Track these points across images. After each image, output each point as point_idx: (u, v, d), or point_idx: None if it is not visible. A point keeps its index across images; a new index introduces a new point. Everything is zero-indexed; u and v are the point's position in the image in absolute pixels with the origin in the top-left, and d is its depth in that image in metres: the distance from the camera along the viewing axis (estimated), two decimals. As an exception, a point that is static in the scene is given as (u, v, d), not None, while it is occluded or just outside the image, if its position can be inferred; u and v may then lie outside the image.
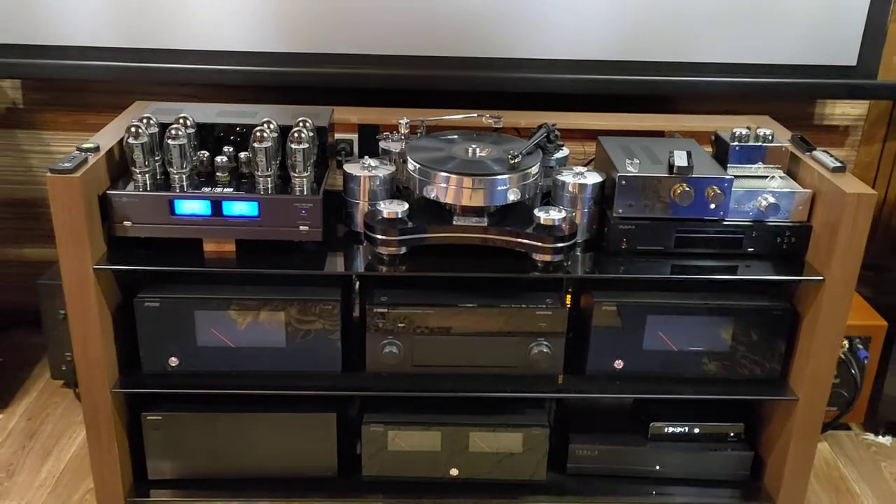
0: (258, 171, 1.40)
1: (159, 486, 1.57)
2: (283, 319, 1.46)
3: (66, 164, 1.31)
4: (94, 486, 1.54)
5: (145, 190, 1.40)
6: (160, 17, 1.76)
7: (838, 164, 1.43)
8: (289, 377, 1.49)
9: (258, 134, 1.39)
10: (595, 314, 1.48)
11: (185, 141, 1.39)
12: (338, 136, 1.68)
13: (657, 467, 1.61)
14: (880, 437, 1.88)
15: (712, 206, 1.43)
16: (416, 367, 1.49)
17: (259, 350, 1.48)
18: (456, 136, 1.53)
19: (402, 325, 1.46)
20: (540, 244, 1.39)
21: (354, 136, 1.70)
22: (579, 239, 1.48)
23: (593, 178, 1.48)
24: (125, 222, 1.39)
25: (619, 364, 1.51)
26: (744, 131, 1.52)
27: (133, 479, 1.57)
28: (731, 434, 1.61)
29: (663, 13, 1.78)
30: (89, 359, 1.42)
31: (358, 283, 1.61)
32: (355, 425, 1.57)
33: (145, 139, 1.39)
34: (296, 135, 1.40)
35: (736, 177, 1.45)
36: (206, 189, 1.40)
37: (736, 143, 1.51)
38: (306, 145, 1.40)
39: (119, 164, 1.45)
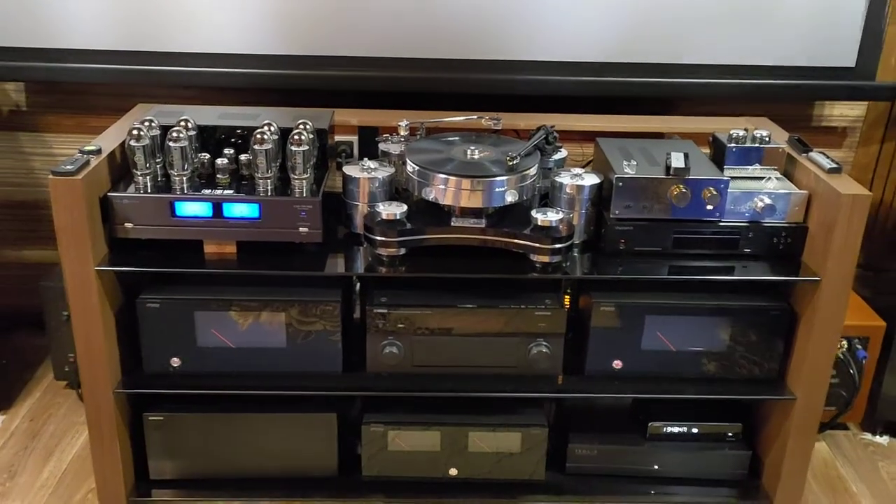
0: (258, 173, 1.41)
1: (161, 486, 1.58)
2: (284, 320, 1.47)
3: (68, 167, 1.33)
4: (96, 486, 1.55)
5: (146, 192, 1.41)
6: (161, 20, 1.77)
7: (834, 166, 1.44)
8: (289, 377, 1.50)
9: (258, 136, 1.40)
10: (593, 315, 1.49)
11: (186, 143, 1.41)
12: (338, 137, 1.69)
13: (656, 467, 1.62)
14: (878, 436, 1.89)
15: (709, 207, 1.44)
16: (416, 368, 1.50)
17: (260, 351, 1.49)
18: (455, 138, 1.54)
19: (401, 325, 1.47)
20: (538, 245, 1.40)
21: (354, 138, 1.71)
22: (577, 240, 1.49)
23: (591, 179, 1.49)
24: (127, 224, 1.40)
25: (617, 364, 1.52)
26: (741, 133, 1.53)
27: (135, 479, 1.58)
28: (730, 434, 1.62)
29: (662, 15, 1.79)
30: (92, 359, 1.43)
31: (358, 285, 1.62)
32: (355, 425, 1.58)
33: (146, 142, 1.40)
34: (296, 137, 1.41)
35: (732, 178, 1.46)
36: (207, 191, 1.41)
37: (733, 145, 1.51)
38: (306, 147, 1.41)
39: (121, 167, 1.46)
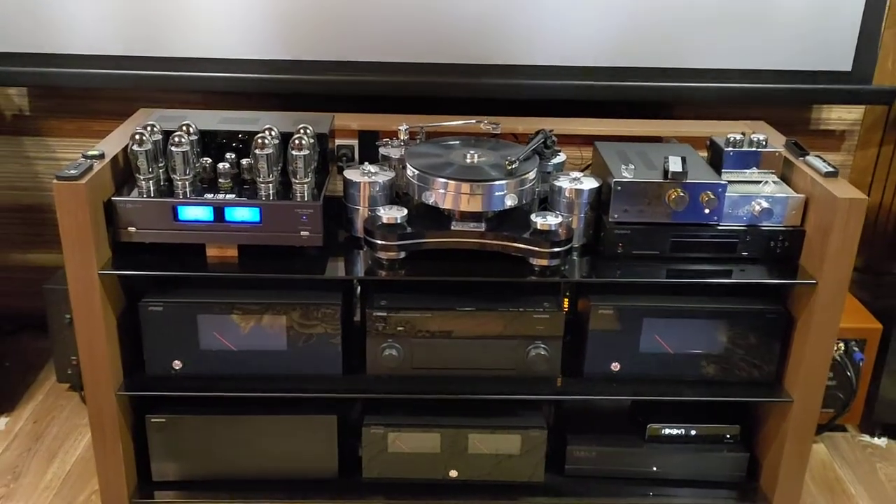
0: (260, 177, 1.43)
1: (163, 488, 1.59)
2: (285, 323, 1.48)
3: (71, 171, 1.34)
4: (99, 488, 1.56)
5: (149, 196, 1.42)
6: (163, 26, 1.78)
7: (831, 169, 1.45)
8: (290, 380, 1.51)
9: (260, 141, 1.41)
10: (592, 317, 1.50)
11: (188, 148, 1.42)
12: (339, 142, 1.70)
13: (654, 468, 1.63)
14: (876, 438, 1.90)
15: (707, 210, 1.45)
16: (416, 370, 1.51)
17: (261, 353, 1.50)
18: (454, 143, 1.56)
19: (401, 328, 1.48)
20: (537, 249, 1.41)
21: (355, 143, 1.72)
22: (576, 244, 1.50)
23: (589, 183, 1.50)
24: (130, 228, 1.42)
25: (615, 366, 1.53)
26: (738, 137, 1.54)
27: (137, 481, 1.60)
28: (728, 436, 1.63)
29: (660, 20, 1.80)
30: (94, 362, 1.45)
31: (359, 288, 1.63)
32: (356, 427, 1.59)
33: (149, 146, 1.41)
34: (297, 141, 1.42)
35: (730, 182, 1.47)
36: (209, 195, 1.43)
37: (730, 149, 1.53)
38: (307, 152, 1.42)
39: (124, 171, 1.48)
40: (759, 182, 1.52)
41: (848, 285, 1.43)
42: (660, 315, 1.50)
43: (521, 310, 1.48)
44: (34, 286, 1.87)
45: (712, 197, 1.44)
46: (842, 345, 1.76)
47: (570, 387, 1.54)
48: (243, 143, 1.54)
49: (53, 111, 1.97)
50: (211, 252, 1.45)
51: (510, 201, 1.42)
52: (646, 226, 1.47)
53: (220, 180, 1.45)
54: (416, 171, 1.44)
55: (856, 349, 1.76)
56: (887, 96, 1.87)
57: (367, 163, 1.55)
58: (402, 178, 1.50)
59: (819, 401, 1.51)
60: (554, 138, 1.59)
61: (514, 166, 1.43)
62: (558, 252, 1.41)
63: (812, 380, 1.49)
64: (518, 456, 1.58)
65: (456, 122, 1.64)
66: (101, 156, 1.42)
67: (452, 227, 1.44)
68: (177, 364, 1.50)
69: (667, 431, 1.62)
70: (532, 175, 1.45)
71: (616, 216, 1.47)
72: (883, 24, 1.83)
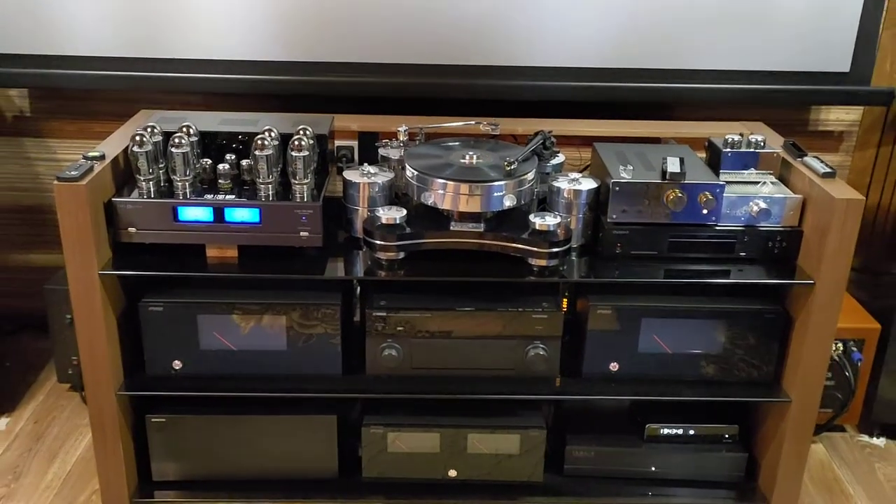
0: (259, 178, 1.43)
1: (163, 488, 1.60)
2: (285, 323, 1.49)
3: (72, 172, 1.34)
4: (100, 488, 1.56)
5: (149, 197, 1.43)
6: (164, 27, 1.79)
7: (828, 170, 1.46)
8: (290, 380, 1.52)
9: (259, 142, 1.42)
10: (590, 318, 1.51)
11: (188, 149, 1.42)
12: (338, 143, 1.71)
13: (653, 468, 1.63)
14: (875, 438, 1.90)
15: (705, 211, 1.46)
16: (415, 370, 1.52)
17: (261, 353, 1.51)
18: (453, 143, 1.56)
19: (400, 328, 1.49)
20: (535, 249, 1.41)
21: (354, 144, 1.73)
22: (574, 244, 1.51)
23: (588, 184, 1.51)
24: (130, 229, 1.42)
25: (614, 366, 1.54)
26: (736, 137, 1.54)
27: (138, 481, 1.60)
28: (726, 436, 1.63)
29: (659, 21, 1.80)
30: (95, 362, 1.45)
31: (359, 288, 1.63)
32: (356, 427, 1.59)
33: (149, 147, 1.42)
34: (296, 142, 1.43)
35: (728, 182, 1.48)
36: (209, 196, 1.43)
37: (728, 150, 1.53)
38: (306, 153, 1.43)
39: (124, 172, 1.48)
40: (757, 183, 1.52)
41: (845, 285, 1.43)
42: (658, 315, 1.51)
43: (519, 310, 1.49)
44: (35, 287, 1.88)
45: (710, 197, 1.45)
46: (840, 345, 1.76)
47: (569, 387, 1.55)
48: (243, 144, 1.54)
49: (54, 112, 1.98)
50: (211, 252, 1.46)
51: (509, 202, 1.43)
52: (644, 226, 1.47)
53: (220, 181, 1.46)
54: (416, 172, 1.45)
55: (854, 349, 1.77)
56: (885, 97, 1.87)
57: (366, 164, 1.55)
58: (402, 179, 1.51)
59: (817, 401, 1.52)
60: (553, 139, 1.59)
61: (512, 167, 1.43)
62: (557, 252, 1.42)
63: (810, 380, 1.50)
64: (517, 456, 1.59)
65: (455, 123, 1.64)
66: (102, 157, 1.43)
67: (451, 228, 1.45)
68: (177, 364, 1.51)
69: (665, 431, 1.63)
70: (531, 176, 1.46)
71: (614, 217, 1.47)
72: (881, 26, 1.84)
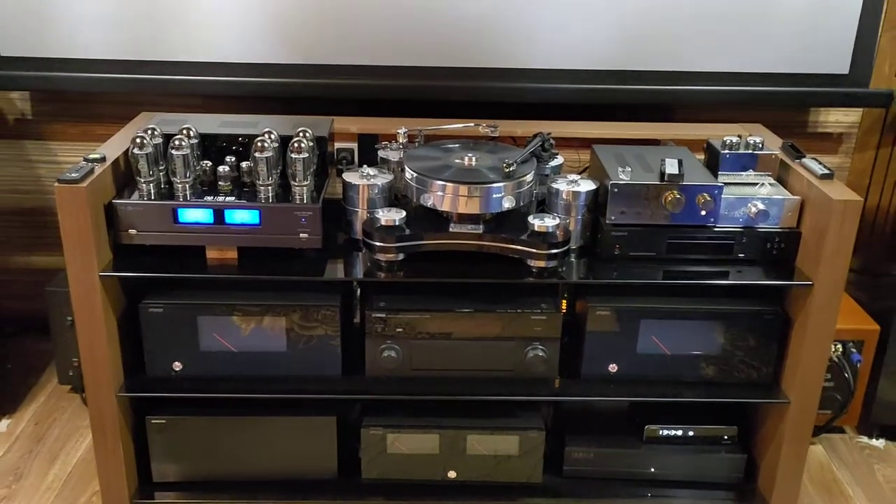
0: (259, 180, 1.44)
1: (163, 489, 1.60)
2: (285, 325, 1.49)
3: (73, 175, 1.35)
4: (100, 489, 1.57)
5: (150, 199, 1.43)
6: (164, 30, 1.80)
7: (826, 172, 1.46)
8: (290, 381, 1.52)
9: (259, 144, 1.43)
10: (589, 319, 1.51)
11: (188, 151, 1.43)
12: (338, 145, 1.71)
13: (652, 470, 1.64)
14: (874, 439, 1.91)
15: (703, 212, 1.46)
16: (415, 371, 1.52)
17: (261, 355, 1.51)
18: (453, 145, 1.57)
19: (400, 329, 1.49)
20: (534, 251, 1.42)
21: (354, 146, 1.73)
22: (573, 245, 1.51)
23: (587, 185, 1.51)
24: (130, 230, 1.43)
25: (613, 368, 1.54)
26: (734, 139, 1.55)
27: (138, 482, 1.61)
28: (725, 437, 1.64)
29: (657, 24, 1.81)
30: (95, 363, 1.46)
31: (359, 290, 1.64)
32: (355, 428, 1.60)
33: (150, 150, 1.43)
34: (296, 144, 1.43)
35: (726, 184, 1.48)
36: (209, 198, 1.44)
37: (726, 151, 1.53)
38: (306, 155, 1.44)
39: (124, 174, 1.49)
40: (755, 184, 1.53)
41: (844, 286, 1.44)
42: (657, 316, 1.51)
43: (518, 311, 1.49)
44: (36, 289, 1.88)
45: (709, 199, 1.45)
46: (839, 346, 1.77)
47: (568, 388, 1.55)
48: (243, 146, 1.55)
49: (56, 115, 1.98)
50: (211, 254, 1.46)
51: (508, 203, 1.43)
52: (643, 227, 1.48)
53: (220, 183, 1.47)
54: (415, 174, 1.45)
55: (853, 350, 1.77)
56: (884, 99, 1.88)
57: (365, 165, 1.56)
58: (401, 181, 1.52)
59: (816, 402, 1.52)
60: (552, 141, 1.60)
61: (511, 169, 1.43)
62: (556, 254, 1.42)
63: (809, 381, 1.50)
64: (516, 457, 1.59)
65: (454, 126, 1.65)
66: (103, 159, 1.44)
67: (450, 229, 1.45)
68: (177, 365, 1.51)
69: (664, 433, 1.63)
70: (530, 177, 1.46)
71: (613, 218, 1.48)
72: (880, 28, 1.85)
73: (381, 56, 1.82)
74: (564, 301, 1.58)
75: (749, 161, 1.54)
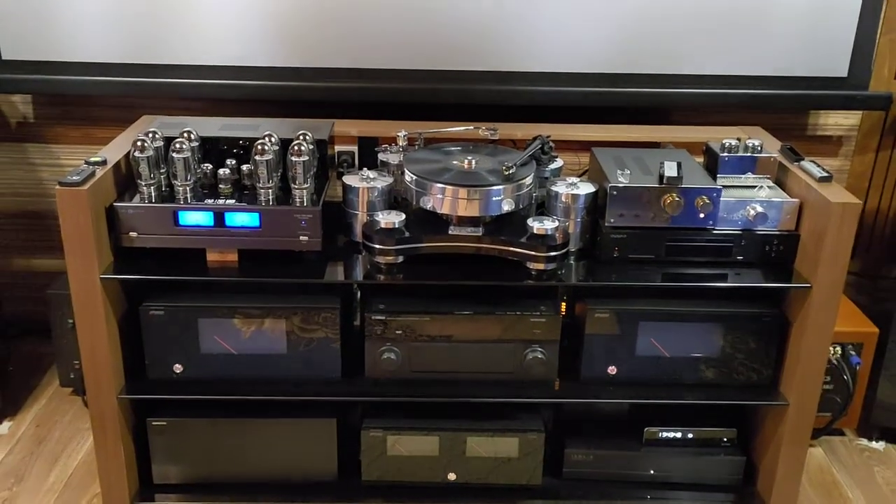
0: (259, 183, 1.44)
1: (164, 491, 1.61)
2: (284, 327, 1.50)
3: (74, 178, 1.36)
4: (101, 491, 1.57)
5: (150, 202, 1.44)
6: (165, 34, 1.81)
7: (825, 174, 1.46)
8: (290, 383, 1.53)
9: (259, 147, 1.43)
10: (588, 321, 1.51)
11: (188, 154, 1.44)
12: (338, 148, 1.72)
13: (651, 472, 1.64)
14: (874, 442, 1.91)
15: (702, 215, 1.46)
16: (414, 373, 1.53)
17: (261, 357, 1.52)
18: (452, 148, 1.57)
19: (399, 332, 1.50)
20: (533, 253, 1.42)
21: (354, 149, 1.74)
22: (572, 248, 1.52)
23: (586, 188, 1.52)
24: (131, 233, 1.44)
25: (612, 370, 1.55)
26: (733, 142, 1.55)
27: (139, 484, 1.61)
28: (724, 439, 1.64)
29: (657, 27, 1.81)
30: (96, 366, 1.46)
31: (359, 292, 1.64)
32: (355, 430, 1.60)
33: (150, 153, 1.43)
34: (296, 147, 1.44)
35: (725, 187, 1.49)
36: (209, 201, 1.44)
37: (725, 154, 1.54)
38: (306, 158, 1.44)
39: (125, 177, 1.50)
40: (754, 187, 1.53)
41: (842, 289, 1.44)
42: (656, 319, 1.52)
43: (518, 313, 1.49)
44: (39, 291, 1.89)
45: (707, 201, 1.45)
46: (838, 349, 1.77)
47: (568, 390, 1.55)
48: (244, 149, 1.56)
49: (57, 118, 1.99)
50: (211, 257, 1.47)
51: (507, 206, 1.44)
52: (642, 230, 1.48)
53: (220, 186, 1.47)
54: (415, 177, 1.46)
55: (852, 353, 1.77)
56: (883, 102, 1.88)
57: (365, 168, 1.56)
58: (401, 184, 1.52)
59: (815, 404, 1.52)
60: (551, 144, 1.61)
61: (511, 172, 1.44)
62: (555, 256, 1.42)
63: (808, 383, 1.50)
64: (516, 459, 1.59)
65: (454, 129, 1.65)
66: (104, 162, 1.44)
67: (450, 232, 1.46)
68: (178, 367, 1.52)
69: (664, 435, 1.63)
70: (529, 180, 1.47)
71: (612, 221, 1.48)
72: (878, 31, 1.85)
73: (381, 59, 1.82)
74: (564, 303, 1.58)
75: (748, 164, 1.55)
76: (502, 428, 1.59)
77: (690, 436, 1.63)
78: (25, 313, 2.13)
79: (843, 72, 1.85)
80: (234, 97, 1.85)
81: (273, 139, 1.48)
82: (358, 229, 1.53)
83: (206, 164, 1.51)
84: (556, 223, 1.44)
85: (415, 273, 1.45)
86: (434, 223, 1.47)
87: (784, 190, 1.54)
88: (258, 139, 1.46)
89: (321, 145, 1.55)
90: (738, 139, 1.56)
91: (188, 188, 1.45)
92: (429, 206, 1.45)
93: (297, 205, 1.45)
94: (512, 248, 1.44)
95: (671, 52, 1.84)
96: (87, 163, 1.43)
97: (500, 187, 1.43)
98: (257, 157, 1.43)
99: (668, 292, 1.54)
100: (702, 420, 1.64)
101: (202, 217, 1.43)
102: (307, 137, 1.49)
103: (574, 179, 1.55)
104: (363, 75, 1.83)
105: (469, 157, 1.50)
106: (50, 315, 1.84)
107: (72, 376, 1.88)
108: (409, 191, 1.48)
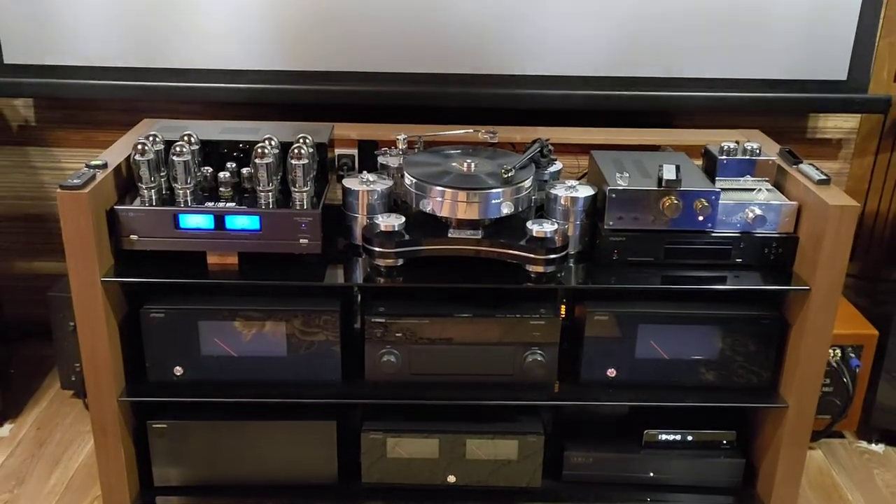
0: (259, 186, 1.45)
1: (165, 493, 1.61)
2: (285, 330, 1.50)
3: (75, 181, 1.36)
4: (102, 494, 1.57)
5: (151, 205, 1.44)
6: (166, 38, 1.81)
7: (823, 177, 1.47)
8: (290, 386, 1.53)
9: (259, 150, 1.44)
10: (587, 324, 1.52)
11: (189, 157, 1.44)
12: (338, 151, 1.72)
13: (651, 474, 1.64)
14: (873, 444, 1.91)
15: (700, 218, 1.47)
16: (414, 376, 1.53)
17: (261, 359, 1.52)
18: (452, 151, 1.58)
19: (399, 334, 1.50)
20: (533, 256, 1.43)
21: (354, 152, 1.74)
22: (571, 251, 1.52)
23: (585, 191, 1.52)
24: (132, 236, 1.44)
25: (611, 372, 1.55)
26: (732, 145, 1.55)
27: (139, 487, 1.61)
28: (724, 441, 1.64)
29: (656, 30, 1.82)
30: (97, 368, 1.47)
31: (359, 295, 1.64)
32: (355, 433, 1.60)
33: (151, 156, 1.44)
34: (296, 151, 1.44)
35: (724, 189, 1.49)
36: (210, 204, 1.45)
37: (724, 157, 1.54)
38: (306, 161, 1.45)
39: (126, 180, 1.50)
40: (752, 190, 1.54)
41: (840, 291, 1.44)
42: (655, 321, 1.52)
43: (517, 316, 1.50)
44: (40, 294, 1.90)
45: (706, 204, 1.46)
46: (838, 351, 1.77)
47: (567, 393, 1.55)
48: (244, 152, 1.56)
49: (58, 122, 2.00)
50: (211, 259, 1.47)
51: (506, 209, 1.44)
52: (640, 233, 1.49)
53: (220, 189, 1.48)
54: (414, 180, 1.46)
55: (852, 356, 1.77)
56: (882, 105, 1.89)
57: (365, 171, 1.57)
58: (401, 187, 1.52)
59: (814, 406, 1.53)
60: (550, 147, 1.61)
61: (510, 175, 1.44)
62: (554, 259, 1.43)
63: (807, 385, 1.51)
64: (516, 461, 1.60)
65: (454, 132, 1.66)
66: (104, 165, 1.45)
67: (449, 235, 1.46)
68: (178, 370, 1.52)
69: (663, 437, 1.63)
70: (528, 183, 1.47)
71: (611, 223, 1.48)
72: (878, 34, 1.86)
73: (381, 63, 1.83)
74: (563, 306, 1.59)
75: (746, 167, 1.55)
76: (502, 430, 1.59)
77: (690, 438, 1.63)
78: (26, 316, 2.14)
79: (842, 75, 1.86)
80: (234, 101, 1.86)
81: (273, 142, 1.49)
82: (358, 232, 1.53)
83: (206, 168, 1.52)
84: (556, 226, 1.45)
85: (414, 276, 1.46)
86: (434, 226, 1.48)
87: (783, 193, 1.54)
88: (258, 142, 1.46)
89: (321, 148, 1.55)
90: (737, 142, 1.57)
91: (188, 191, 1.46)
92: (428, 209, 1.45)
93: (297, 208, 1.45)
94: (511, 251, 1.44)
95: (670, 55, 1.84)
96: (88, 166, 1.43)
97: (500, 190, 1.43)
98: (257, 161, 1.43)
99: (668, 295, 1.54)
100: (701, 422, 1.65)
101: (202, 220, 1.44)
102: (307, 141, 1.50)
103: (573, 182, 1.55)
104: (363, 79, 1.84)
105: (468, 161, 1.50)
106: (51, 318, 1.84)
107: (73, 379, 1.89)
108: (409, 194, 1.48)
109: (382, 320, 1.50)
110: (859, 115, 1.99)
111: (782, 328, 1.52)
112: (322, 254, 1.47)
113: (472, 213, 1.44)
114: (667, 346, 1.53)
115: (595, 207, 1.52)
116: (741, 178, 1.55)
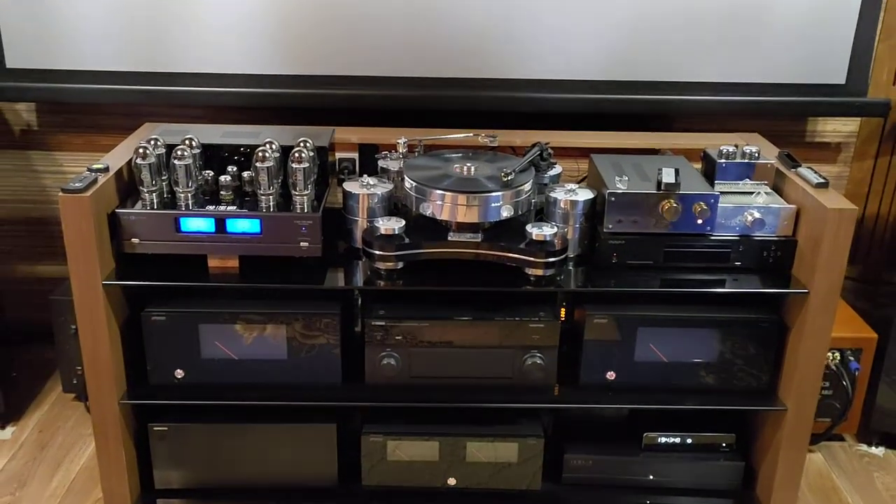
0: (260, 189, 1.46)
1: (165, 496, 1.61)
2: (285, 333, 1.51)
3: (76, 184, 1.37)
4: (103, 496, 1.58)
5: (152, 208, 1.45)
6: (168, 42, 1.82)
7: (821, 181, 1.47)
8: (290, 389, 1.53)
9: (260, 154, 1.44)
10: (587, 327, 1.52)
11: (190, 161, 1.45)
12: (339, 155, 1.73)
13: (651, 477, 1.64)
14: (873, 447, 1.91)
15: (699, 221, 1.47)
16: (414, 379, 1.54)
17: (262, 362, 1.53)
18: (452, 155, 1.58)
19: (399, 337, 1.51)
20: (532, 259, 1.43)
21: (355, 155, 1.75)
22: (571, 254, 1.52)
23: (584, 194, 1.53)
24: (133, 239, 1.45)
25: (611, 375, 1.55)
26: (731, 149, 1.56)
27: (140, 489, 1.62)
28: (723, 444, 1.64)
29: (656, 34, 1.83)
30: (98, 371, 1.47)
31: (359, 298, 1.65)
32: (355, 436, 1.60)
33: (152, 160, 1.45)
34: (297, 154, 1.45)
35: (723, 193, 1.50)
36: (211, 207, 1.46)
37: (723, 161, 1.55)
38: (307, 164, 1.45)
39: (128, 184, 1.51)
40: (751, 193, 1.54)
41: (839, 294, 1.45)
42: (654, 324, 1.52)
43: (517, 319, 1.50)
44: (42, 297, 1.90)
45: (705, 208, 1.46)
46: (837, 354, 1.77)
47: (567, 396, 1.56)
48: (245, 156, 1.57)
49: (60, 126, 2.01)
50: (212, 263, 1.48)
51: (506, 212, 1.45)
52: (640, 236, 1.49)
53: (221, 193, 1.48)
54: (414, 183, 1.47)
55: (851, 359, 1.78)
56: (881, 108, 1.89)
57: (366, 175, 1.57)
58: (401, 190, 1.53)
59: (813, 409, 1.53)
60: (550, 150, 1.61)
61: (510, 178, 1.45)
62: (553, 262, 1.43)
63: (806, 388, 1.51)
64: (516, 464, 1.60)
65: (454, 135, 1.66)
66: (106, 169, 1.46)
67: (449, 238, 1.47)
68: (179, 373, 1.53)
69: (663, 440, 1.64)
70: (528, 187, 1.48)
71: (610, 227, 1.49)
72: (877, 38, 1.86)
73: (382, 67, 1.84)
74: (563, 309, 1.59)
75: (745, 170, 1.56)
76: (502, 433, 1.59)
77: (689, 441, 1.64)
78: (28, 319, 2.14)
79: (841, 78, 1.86)
80: (235, 104, 1.87)
81: (274, 146, 1.50)
82: (358, 235, 1.54)
83: (207, 171, 1.52)
84: (555, 229, 1.45)
85: (414, 279, 1.46)
86: (434, 229, 1.48)
87: (781, 196, 1.54)
88: (259, 146, 1.47)
89: (322, 152, 1.56)
90: (736, 146, 1.57)
91: (189, 195, 1.46)
92: (428, 213, 1.46)
93: (298, 211, 1.46)
94: (511, 254, 1.45)
95: (669, 59, 1.85)
96: (89, 170, 1.44)
97: (499, 194, 1.44)
98: (258, 164, 1.44)
99: (667, 298, 1.54)
100: (701, 425, 1.65)
101: (203, 223, 1.44)
102: (308, 144, 1.51)
103: (573, 186, 1.56)
104: (364, 82, 1.84)
105: (468, 164, 1.51)
106: (52, 321, 1.85)
107: (74, 382, 1.89)
108: (409, 197, 1.49)
109: (382, 323, 1.50)
110: (859, 119, 2.00)
111: (781, 331, 1.53)
112: (322, 257, 1.47)
113: (471, 217, 1.44)
114: (666, 349, 1.54)
115: (594, 211, 1.53)
116: (740, 182, 1.56)
